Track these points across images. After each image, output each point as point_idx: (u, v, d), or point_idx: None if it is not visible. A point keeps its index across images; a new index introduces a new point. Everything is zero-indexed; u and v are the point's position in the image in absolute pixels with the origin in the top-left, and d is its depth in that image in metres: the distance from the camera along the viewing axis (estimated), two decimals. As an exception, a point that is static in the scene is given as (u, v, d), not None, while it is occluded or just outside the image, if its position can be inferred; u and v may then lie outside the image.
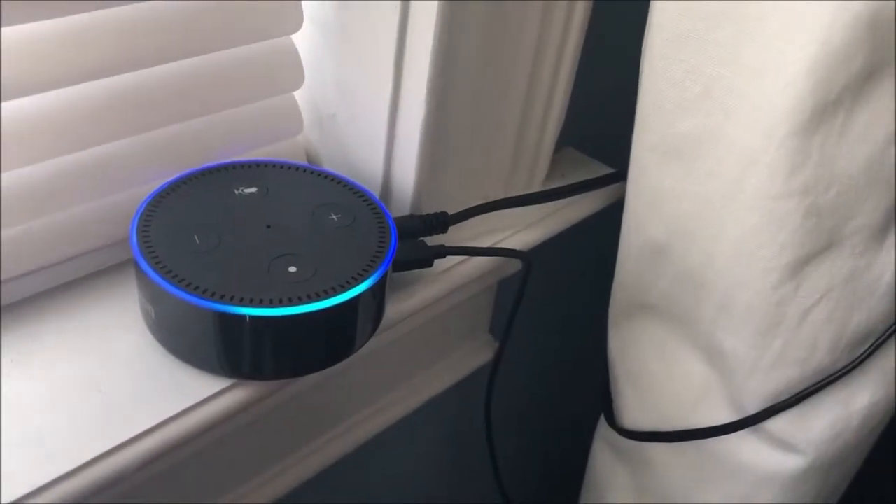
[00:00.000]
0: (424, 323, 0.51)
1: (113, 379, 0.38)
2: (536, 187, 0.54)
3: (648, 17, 0.43)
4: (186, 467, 0.43)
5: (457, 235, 0.47)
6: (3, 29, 0.34)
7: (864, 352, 0.46)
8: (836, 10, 0.35)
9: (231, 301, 0.36)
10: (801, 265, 0.42)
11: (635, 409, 0.56)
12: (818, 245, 0.42)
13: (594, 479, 0.64)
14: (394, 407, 0.57)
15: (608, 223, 0.55)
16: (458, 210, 0.47)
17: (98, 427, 0.36)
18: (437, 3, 0.39)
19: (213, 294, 0.36)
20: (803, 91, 0.38)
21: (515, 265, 0.54)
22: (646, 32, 0.44)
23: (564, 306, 0.72)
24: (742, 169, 0.41)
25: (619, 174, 0.55)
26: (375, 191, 0.47)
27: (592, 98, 0.54)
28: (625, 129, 0.48)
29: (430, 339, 0.57)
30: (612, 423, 0.58)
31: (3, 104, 0.35)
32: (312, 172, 0.44)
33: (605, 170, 0.57)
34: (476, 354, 0.61)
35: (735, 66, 0.40)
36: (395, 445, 0.61)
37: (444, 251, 0.45)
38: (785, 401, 0.47)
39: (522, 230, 0.51)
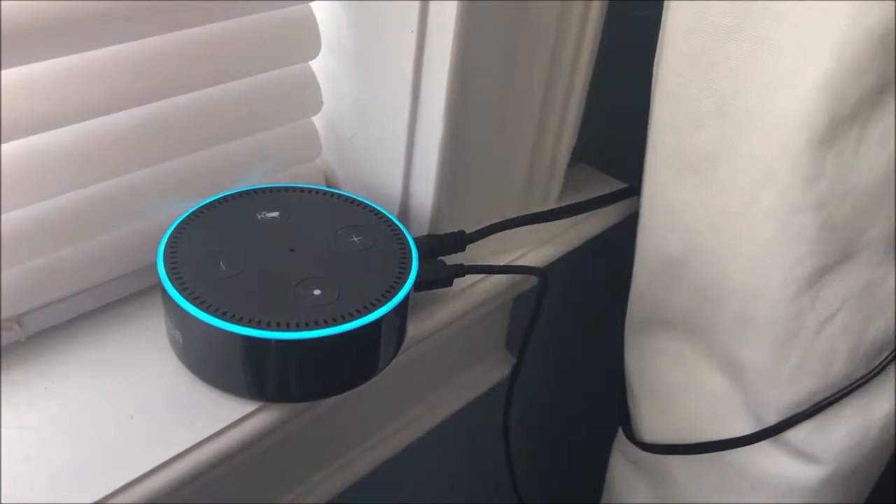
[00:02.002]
0: (443, 341, 0.52)
1: (142, 404, 0.38)
2: (551, 203, 0.54)
3: (660, 36, 0.44)
4: (203, 491, 0.43)
5: (475, 253, 0.48)
6: (29, 65, 0.35)
7: (882, 361, 0.46)
8: (850, 25, 0.36)
9: (258, 325, 0.36)
10: (817, 277, 0.43)
11: (654, 423, 0.56)
12: (834, 257, 0.42)
13: (613, 493, 0.64)
14: (414, 424, 0.57)
15: (621, 237, 0.55)
16: (475, 228, 0.48)
17: (129, 453, 0.36)
18: (453, 26, 0.40)
19: (241, 319, 0.36)
20: (818, 105, 0.38)
21: (531, 281, 0.54)
22: (658, 50, 0.44)
23: (579, 321, 0.72)
24: (757, 183, 0.42)
25: (633, 189, 0.56)
26: (393, 211, 0.47)
27: (603, 113, 0.55)
28: (635, 143, 0.49)
29: (448, 356, 0.57)
30: (631, 436, 0.58)
31: (30, 139, 0.36)
32: (332, 195, 0.45)
33: (618, 184, 0.57)
34: (493, 370, 0.61)
35: (749, 82, 0.40)
36: (415, 462, 0.61)
37: (463, 270, 0.45)
38: (804, 411, 0.47)
39: (538, 247, 0.52)
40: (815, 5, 0.36)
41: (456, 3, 0.39)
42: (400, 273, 0.41)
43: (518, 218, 0.50)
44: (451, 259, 0.46)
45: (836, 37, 0.36)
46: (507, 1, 0.41)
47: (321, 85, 0.46)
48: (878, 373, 0.46)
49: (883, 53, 0.37)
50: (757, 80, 0.40)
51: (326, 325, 0.37)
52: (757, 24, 0.39)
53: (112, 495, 0.35)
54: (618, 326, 0.57)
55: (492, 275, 0.49)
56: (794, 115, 0.39)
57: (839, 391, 0.46)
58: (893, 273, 0.44)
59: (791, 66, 0.38)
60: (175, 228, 0.41)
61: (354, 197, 0.45)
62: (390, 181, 0.47)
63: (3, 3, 0.32)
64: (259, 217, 0.42)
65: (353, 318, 0.38)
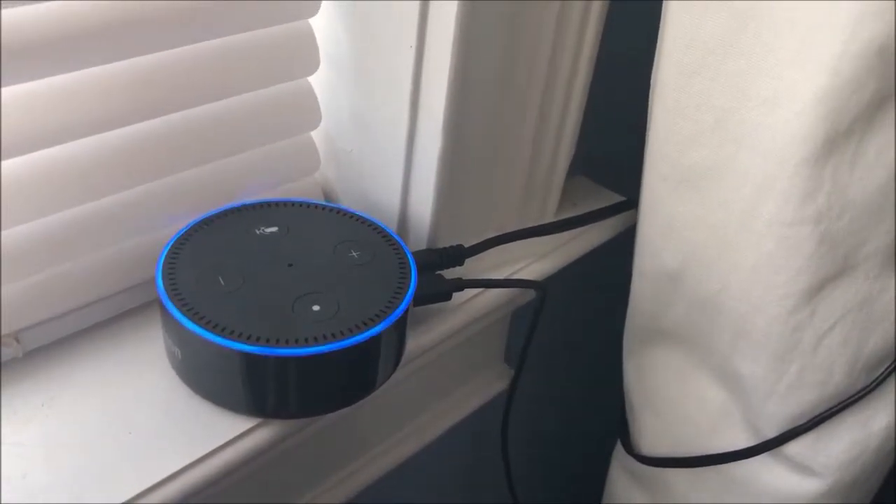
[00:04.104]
0: (442, 355, 0.52)
1: (141, 421, 0.38)
2: (549, 217, 0.54)
3: (657, 50, 0.44)
4: None
5: (473, 267, 0.48)
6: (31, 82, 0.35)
7: (881, 374, 0.46)
8: (846, 40, 0.36)
9: (257, 341, 0.36)
10: (816, 290, 0.43)
11: (652, 435, 0.56)
12: (833, 270, 0.42)
13: (612, 506, 0.64)
14: (413, 437, 0.57)
15: (618, 250, 0.55)
16: (473, 242, 0.48)
17: (127, 470, 0.36)
18: (452, 41, 0.40)
19: (240, 335, 0.36)
20: (815, 120, 0.38)
21: (529, 294, 0.54)
22: (655, 65, 0.44)
23: (577, 333, 0.72)
24: (756, 197, 0.42)
25: (630, 202, 0.56)
26: (392, 225, 0.47)
27: (600, 127, 0.55)
28: (632, 156, 0.49)
29: (447, 369, 0.57)
30: (630, 449, 0.58)
31: (29, 155, 0.36)
32: (331, 210, 0.45)
33: (615, 197, 0.57)
34: (492, 384, 0.61)
35: (747, 97, 0.40)
36: (414, 476, 0.61)
37: (462, 284, 0.45)
38: (803, 424, 0.47)
39: (537, 260, 0.52)
40: (811, 20, 0.37)
41: (454, 18, 0.39)
42: (399, 288, 0.41)
43: (516, 232, 0.50)
44: (450, 273, 0.46)
45: (833, 52, 0.37)
46: (505, 16, 0.42)
47: (320, 99, 0.46)
48: (877, 385, 0.46)
49: (880, 68, 0.37)
50: (755, 95, 0.40)
51: (326, 340, 0.37)
52: (754, 40, 0.39)
53: (111, 513, 0.35)
54: (616, 339, 0.57)
55: (490, 289, 0.49)
56: (792, 129, 0.39)
57: (838, 404, 0.46)
58: (891, 286, 0.44)
59: (788, 81, 0.38)
60: (174, 244, 0.41)
61: (353, 211, 0.45)
62: (389, 195, 0.47)
63: (3, 20, 0.32)
64: (258, 232, 0.42)
65: (352, 333, 0.38)
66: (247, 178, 0.45)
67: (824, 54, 0.37)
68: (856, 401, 0.46)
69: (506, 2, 0.41)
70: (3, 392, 0.39)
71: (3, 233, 0.37)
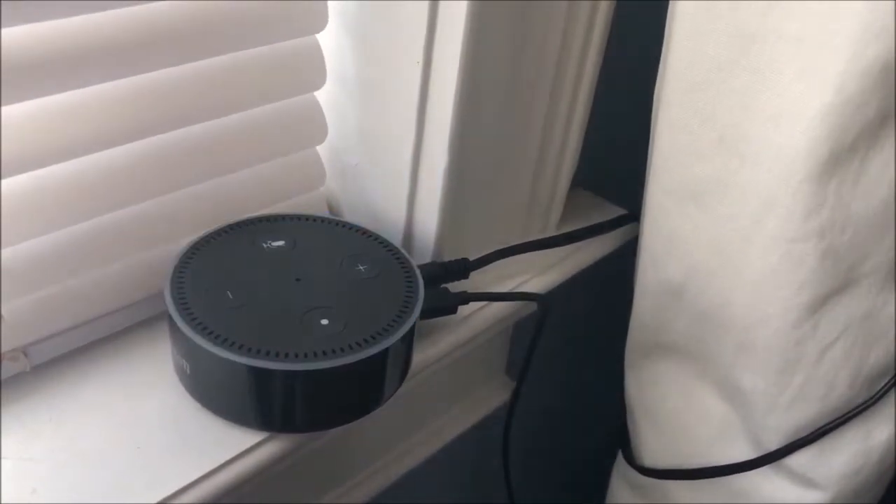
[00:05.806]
0: (445, 367, 0.52)
1: (149, 435, 0.38)
2: (551, 230, 0.55)
3: (661, 66, 0.44)
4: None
5: (477, 280, 0.48)
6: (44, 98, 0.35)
7: (883, 387, 0.46)
8: (850, 58, 0.37)
9: (266, 356, 0.36)
10: (819, 304, 0.43)
11: (654, 447, 0.56)
12: (835, 285, 0.43)
13: (613, 517, 0.64)
14: (414, 450, 0.57)
15: (620, 263, 0.56)
16: (477, 255, 0.48)
17: (136, 484, 0.36)
18: (458, 57, 0.40)
19: (249, 349, 0.37)
20: (819, 137, 0.39)
21: (532, 306, 0.54)
22: (658, 80, 0.45)
23: (580, 345, 0.73)
24: (760, 212, 0.42)
25: (632, 215, 0.56)
26: (397, 239, 0.47)
27: (602, 141, 0.56)
28: (632, 170, 0.49)
29: (449, 382, 0.57)
30: (631, 460, 0.58)
31: (41, 170, 0.36)
32: (337, 224, 0.45)
33: (617, 210, 0.58)
34: (493, 396, 0.61)
35: (751, 114, 0.41)
36: (416, 488, 0.61)
37: (467, 297, 0.46)
38: (805, 437, 0.47)
39: (540, 273, 0.52)
40: (816, 39, 0.37)
41: (462, 34, 0.39)
42: (406, 302, 0.41)
43: (520, 245, 0.50)
44: (455, 286, 0.46)
45: (836, 70, 0.37)
46: (511, 32, 0.42)
47: (326, 114, 0.46)
48: (879, 399, 0.46)
49: (883, 86, 0.37)
50: (759, 111, 0.40)
51: (335, 355, 0.37)
52: (758, 57, 0.39)
53: (120, 528, 0.35)
54: (618, 351, 0.57)
55: (494, 302, 0.49)
56: (795, 146, 0.39)
57: (840, 417, 0.46)
58: (893, 300, 0.44)
59: (792, 98, 0.39)
60: (181, 258, 0.41)
61: (359, 225, 0.45)
62: (394, 209, 0.47)
63: (5, 38, 0.32)
64: (265, 246, 0.42)
65: (361, 348, 0.38)
66: (253, 192, 0.45)
67: (829, 72, 0.37)
68: (857, 414, 0.46)
69: (512, 18, 0.41)
70: (11, 407, 0.39)
71: (12, 248, 0.37)
